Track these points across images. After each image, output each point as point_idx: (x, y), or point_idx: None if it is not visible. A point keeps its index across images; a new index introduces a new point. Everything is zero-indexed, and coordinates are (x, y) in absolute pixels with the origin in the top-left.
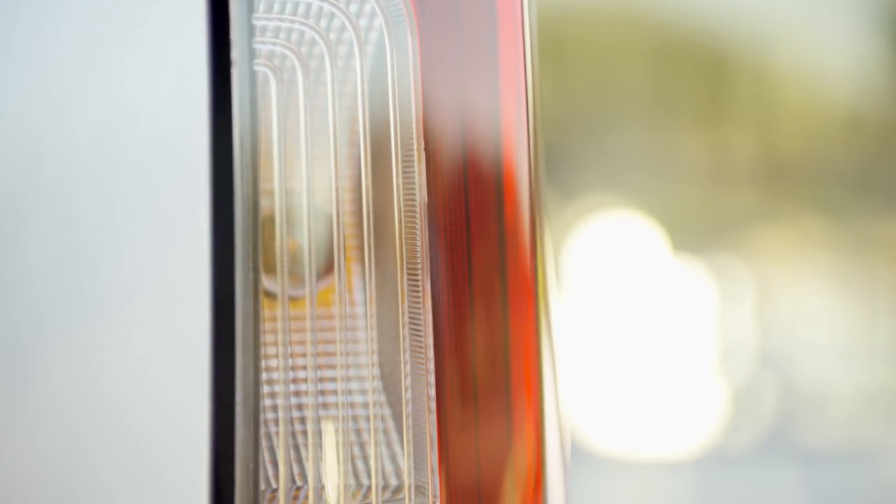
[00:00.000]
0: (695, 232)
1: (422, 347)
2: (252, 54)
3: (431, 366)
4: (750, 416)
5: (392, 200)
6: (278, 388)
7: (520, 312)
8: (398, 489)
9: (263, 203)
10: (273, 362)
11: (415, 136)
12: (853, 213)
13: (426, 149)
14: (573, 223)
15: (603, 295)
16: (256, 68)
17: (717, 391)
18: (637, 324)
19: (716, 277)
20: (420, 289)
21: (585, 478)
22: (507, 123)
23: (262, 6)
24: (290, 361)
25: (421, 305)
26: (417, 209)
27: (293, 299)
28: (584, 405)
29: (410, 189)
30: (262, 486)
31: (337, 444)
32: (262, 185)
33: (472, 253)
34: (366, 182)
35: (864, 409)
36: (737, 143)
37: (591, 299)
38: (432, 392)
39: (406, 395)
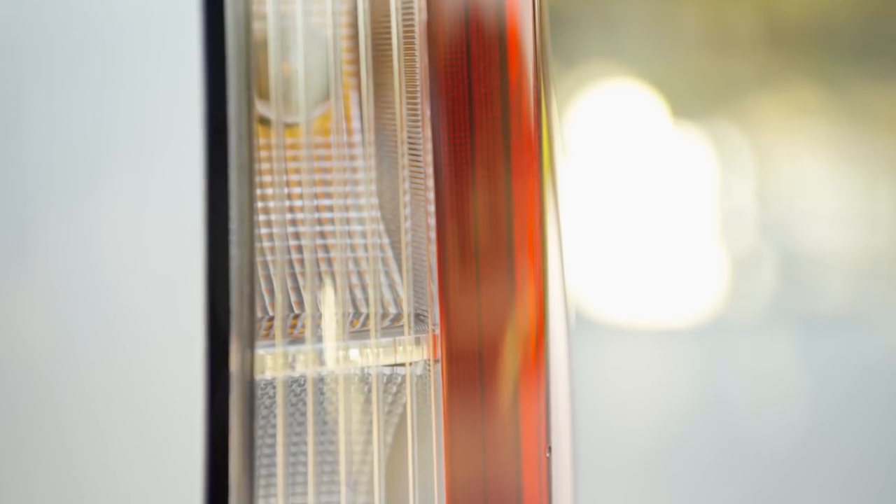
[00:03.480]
0: (695, 100)
1: (421, 176)
2: None
3: (431, 195)
4: (750, 284)
5: (390, 22)
6: (274, 217)
7: (521, 152)
8: (397, 317)
9: (256, 26)
10: (269, 190)
11: None
12: (853, 82)
13: None
14: (573, 92)
15: (603, 164)
16: None
17: (716, 259)
18: (637, 192)
19: (716, 146)
20: (419, 115)
21: (586, 345)
22: None
23: None
24: (286, 190)
25: (420, 132)
26: (416, 31)
27: (288, 126)
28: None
29: (409, 10)
30: (259, 313)
31: (334, 272)
32: (255, 8)
33: (471, 79)
34: (363, 2)
35: (864, 275)
36: (737, 11)
37: (591, 168)
38: (432, 221)
39: (405, 224)
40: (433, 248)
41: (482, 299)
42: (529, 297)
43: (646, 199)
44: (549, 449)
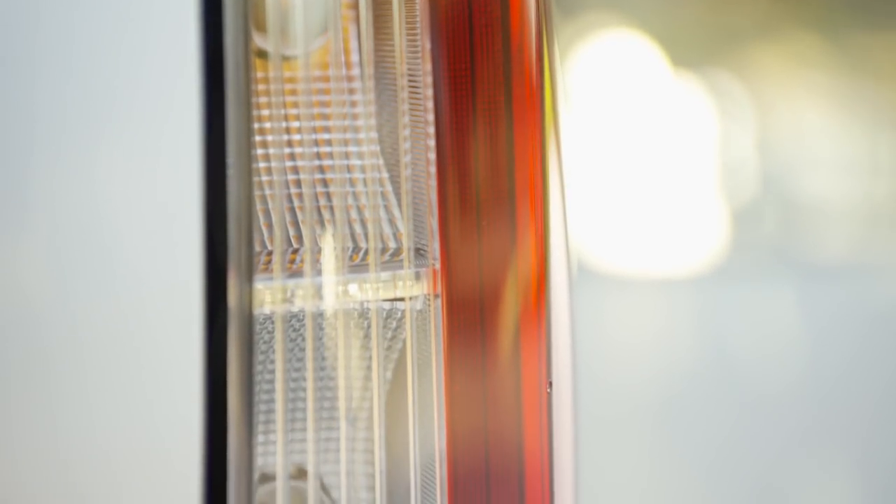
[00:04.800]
0: (695, 51)
1: (421, 110)
2: None
3: (431, 129)
4: (750, 233)
5: None
6: (273, 151)
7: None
8: (397, 252)
9: None
10: (267, 125)
11: None
12: (854, 32)
13: None
14: (574, 42)
15: (603, 114)
16: None
17: (717, 208)
18: (637, 142)
19: (716, 96)
20: (419, 48)
21: (587, 294)
22: None
23: None
24: (284, 124)
25: (420, 66)
26: None
27: (286, 59)
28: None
29: None
30: (258, 248)
31: (333, 206)
32: None
33: (472, 10)
34: None
35: (865, 224)
36: None
37: (591, 117)
38: (432, 156)
39: (405, 159)
40: (433, 182)
41: (483, 245)
42: (530, 244)
43: (646, 149)
44: (550, 384)
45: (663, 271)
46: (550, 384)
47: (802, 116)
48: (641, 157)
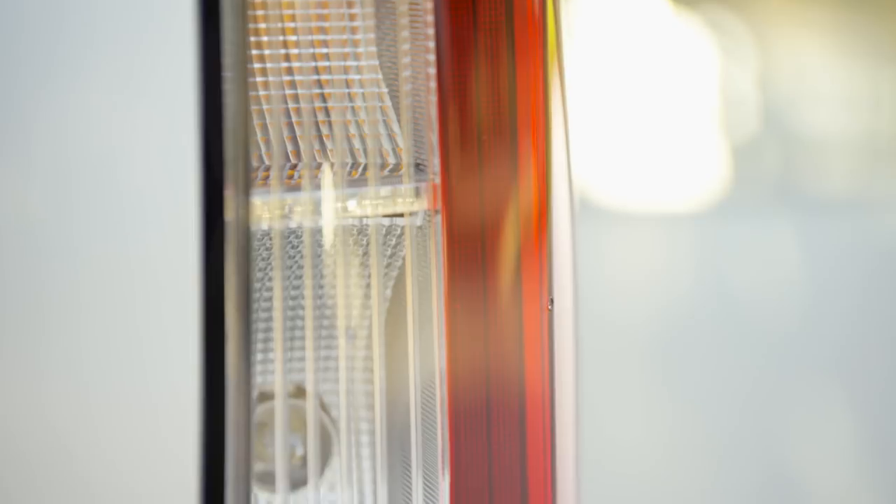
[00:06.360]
0: None
1: (421, 25)
2: None
3: (431, 44)
4: (752, 169)
5: None
6: (270, 65)
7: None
8: (396, 167)
9: None
10: (264, 38)
11: None
12: None
13: None
14: None
15: (604, 50)
16: None
17: (718, 144)
18: (638, 78)
19: (716, 31)
20: None
21: (587, 229)
22: None
23: None
24: (282, 37)
25: None
26: None
27: None
28: (586, 157)
29: None
30: (255, 163)
31: (332, 121)
32: None
33: None
34: None
35: (867, 159)
36: None
37: (593, 53)
38: (432, 70)
39: (404, 73)
40: (433, 97)
41: (484, 161)
42: (532, 160)
43: (647, 85)
44: (552, 301)
45: (664, 206)
46: (552, 301)
47: (803, 51)
48: (643, 93)
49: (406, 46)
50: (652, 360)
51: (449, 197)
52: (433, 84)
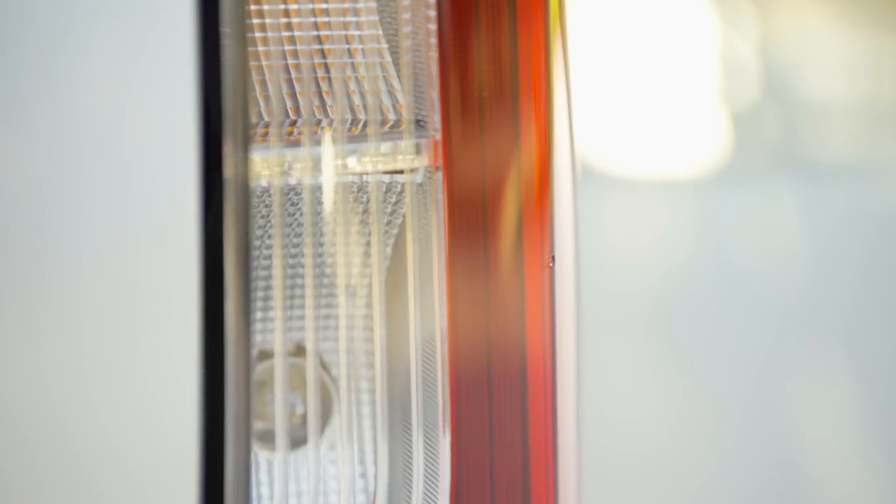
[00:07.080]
0: None
1: None
2: None
3: (432, 0)
4: (753, 135)
5: None
6: (269, 20)
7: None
8: (396, 123)
9: None
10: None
11: None
12: None
13: None
14: None
15: (606, 19)
16: None
17: (719, 111)
18: (641, 47)
19: (716, 1)
20: None
21: (589, 196)
22: None
23: None
24: (282, 6)
25: None
26: None
27: None
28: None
29: None
30: (254, 119)
31: (331, 77)
32: None
33: None
34: None
35: (868, 125)
36: None
37: (595, 23)
38: (433, 26)
39: (405, 29)
40: (434, 54)
41: (485, 117)
42: (534, 140)
43: (648, 53)
44: (553, 258)
45: (665, 173)
46: (553, 258)
47: (804, 19)
48: (644, 60)
49: (406, 2)
50: (652, 326)
51: (450, 156)
52: (433, 41)
